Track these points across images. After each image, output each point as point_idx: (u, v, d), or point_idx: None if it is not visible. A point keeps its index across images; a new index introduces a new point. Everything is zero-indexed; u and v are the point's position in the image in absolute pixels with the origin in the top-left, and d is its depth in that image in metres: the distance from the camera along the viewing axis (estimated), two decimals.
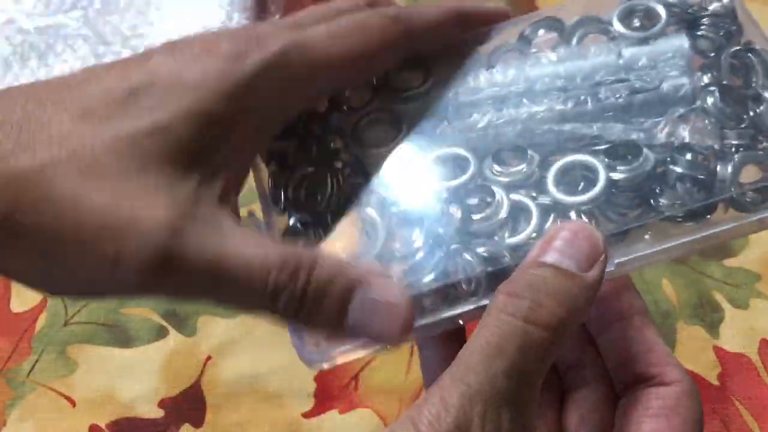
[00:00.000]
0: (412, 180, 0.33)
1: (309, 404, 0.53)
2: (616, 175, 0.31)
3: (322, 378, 0.54)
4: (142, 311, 0.57)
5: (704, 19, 0.35)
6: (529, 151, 0.32)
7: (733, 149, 0.31)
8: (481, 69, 0.35)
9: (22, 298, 0.59)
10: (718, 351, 0.52)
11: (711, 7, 0.35)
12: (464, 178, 0.32)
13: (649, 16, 0.35)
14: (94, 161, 0.26)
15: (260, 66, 0.29)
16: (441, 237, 0.31)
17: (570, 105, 0.33)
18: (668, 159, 0.31)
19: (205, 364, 0.55)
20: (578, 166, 0.31)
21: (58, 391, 0.55)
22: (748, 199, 0.31)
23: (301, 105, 0.32)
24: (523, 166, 0.32)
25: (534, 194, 0.31)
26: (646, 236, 0.31)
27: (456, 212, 0.31)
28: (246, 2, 0.67)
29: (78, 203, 0.26)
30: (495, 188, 0.32)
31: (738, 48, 0.34)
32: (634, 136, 0.32)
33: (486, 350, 0.27)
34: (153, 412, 0.54)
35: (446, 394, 0.26)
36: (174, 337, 0.56)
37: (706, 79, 0.34)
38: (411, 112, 0.35)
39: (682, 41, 0.34)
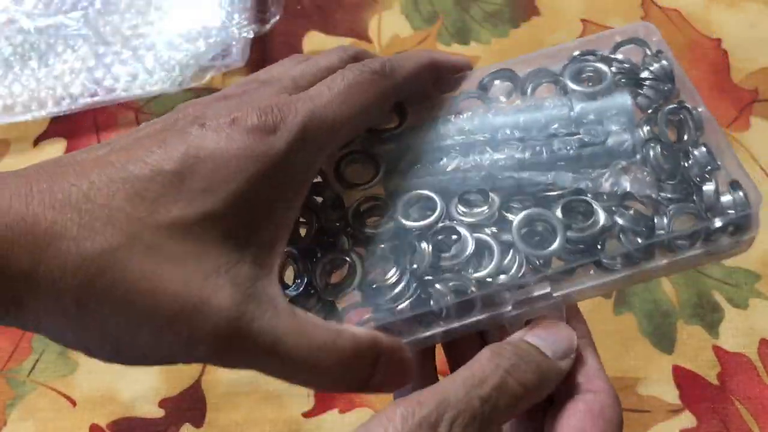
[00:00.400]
0: (387, 217, 0.37)
1: (309, 404, 0.54)
2: (571, 234, 0.35)
3: None
4: None
5: (645, 80, 0.39)
6: (491, 195, 0.36)
7: (669, 201, 0.36)
8: (449, 115, 0.39)
9: None
10: (718, 351, 0.52)
11: (651, 68, 0.39)
12: (433, 218, 0.36)
13: (596, 73, 0.39)
14: (156, 246, 0.28)
15: (290, 142, 0.31)
16: (414, 271, 0.35)
17: (527, 154, 0.38)
18: (614, 212, 0.36)
19: (205, 364, 0.55)
20: (539, 218, 0.36)
21: (59, 390, 0.55)
22: (678, 244, 0.35)
23: (321, 165, 0.34)
24: (485, 208, 0.36)
25: (495, 231, 0.36)
26: (591, 272, 0.36)
27: (427, 249, 0.35)
28: (246, 2, 0.67)
29: (153, 288, 0.27)
30: (460, 228, 0.36)
31: (674, 106, 0.38)
32: (582, 185, 0.37)
33: (468, 380, 0.31)
34: (153, 411, 0.54)
35: (423, 399, 0.30)
36: None
37: (645, 133, 0.38)
38: (388, 153, 0.38)
39: (625, 99, 0.39)
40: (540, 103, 0.39)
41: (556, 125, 0.38)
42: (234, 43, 0.65)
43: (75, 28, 0.67)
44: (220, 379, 0.55)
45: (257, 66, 0.66)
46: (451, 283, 0.35)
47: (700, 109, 0.38)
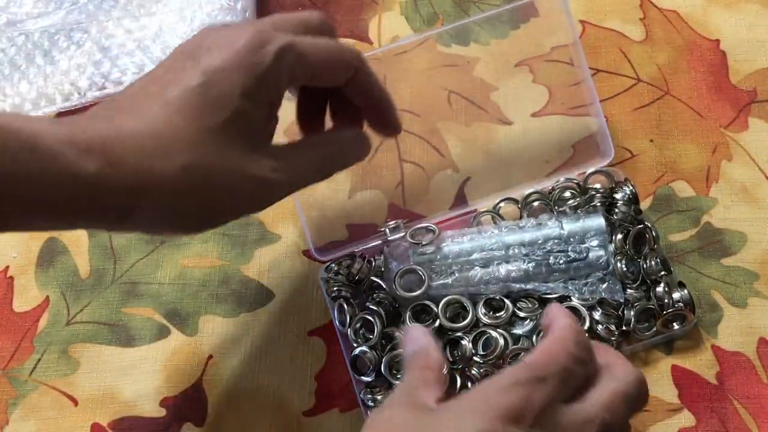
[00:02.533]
0: (432, 319, 0.53)
1: (310, 403, 0.54)
2: None
3: (322, 377, 0.54)
4: (144, 311, 0.57)
5: (616, 203, 0.55)
6: (506, 301, 0.53)
7: (634, 299, 0.53)
8: (470, 232, 0.56)
9: (25, 297, 0.59)
10: (717, 350, 0.53)
11: (618, 195, 0.55)
12: (467, 320, 0.53)
13: (576, 198, 0.57)
14: (211, 144, 0.40)
15: (274, 56, 0.41)
16: (457, 360, 0.52)
17: (531, 266, 0.53)
18: (594, 311, 0.52)
19: (206, 364, 0.56)
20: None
21: (61, 390, 0.56)
22: (640, 332, 0.53)
23: (293, 84, 0.46)
24: (503, 312, 0.53)
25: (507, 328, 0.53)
26: None
27: (467, 344, 0.52)
28: None
29: (222, 173, 0.41)
30: (492, 332, 0.52)
31: (640, 226, 0.54)
32: (569, 292, 0.53)
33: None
34: (155, 411, 0.54)
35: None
36: (176, 337, 0.57)
37: (617, 244, 0.54)
38: (428, 265, 0.54)
39: (600, 222, 0.54)
40: (539, 223, 0.55)
41: (551, 242, 0.54)
42: None
43: (76, 23, 0.67)
44: (221, 378, 0.55)
45: None
46: (482, 369, 0.52)
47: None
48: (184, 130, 0.39)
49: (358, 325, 0.54)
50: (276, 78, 0.42)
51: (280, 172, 0.43)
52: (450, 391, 0.41)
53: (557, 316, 0.41)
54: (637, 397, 0.41)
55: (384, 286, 0.55)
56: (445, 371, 0.42)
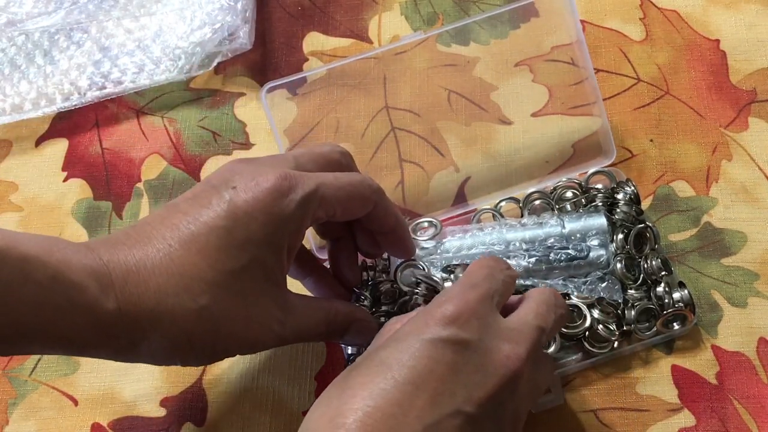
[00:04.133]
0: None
1: (310, 402, 0.54)
2: (566, 331, 0.52)
3: (322, 376, 0.54)
4: None
5: (618, 203, 0.55)
6: None
7: (634, 299, 0.53)
8: (471, 228, 0.55)
9: None
10: (717, 350, 0.53)
11: (619, 196, 0.55)
12: None
13: (578, 198, 0.57)
14: (227, 287, 0.41)
15: (298, 205, 0.43)
16: None
17: (532, 263, 0.53)
18: (593, 310, 0.52)
19: (207, 365, 0.56)
20: None
21: (61, 390, 0.56)
22: (640, 332, 0.53)
23: (314, 224, 0.47)
24: None
25: None
26: (579, 354, 0.52)
27: None
28: None
29: (233, 317, 0.42)
30: None
31: (641, 226, 0.54)
32: (568, 290, 0.52)
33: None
34: (155, 410, 0.54)
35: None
36: None
37: (618, 243, 0.54)
38: (428, 257, 0.54)
39: (602, 221, 0.54)
40: (540, 222, 0.55)
41: (552, 240, 0.53)
42: (240, 24, 0.65)
43: (76, 22, 0.67)
44: (221, 378, 0.55)
45: (263, 54, 0.67)
46: None
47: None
48: (205, 271, 0.40)
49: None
50: (298, 225, 0.43)
51: (285, 326, 0.44)
52: None
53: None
54: (557, 303, 0.45)
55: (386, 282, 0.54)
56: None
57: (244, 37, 0.65)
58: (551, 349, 0.50)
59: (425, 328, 0.39)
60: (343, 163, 0.48)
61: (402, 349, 0.39)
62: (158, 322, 0.40)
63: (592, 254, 0.53)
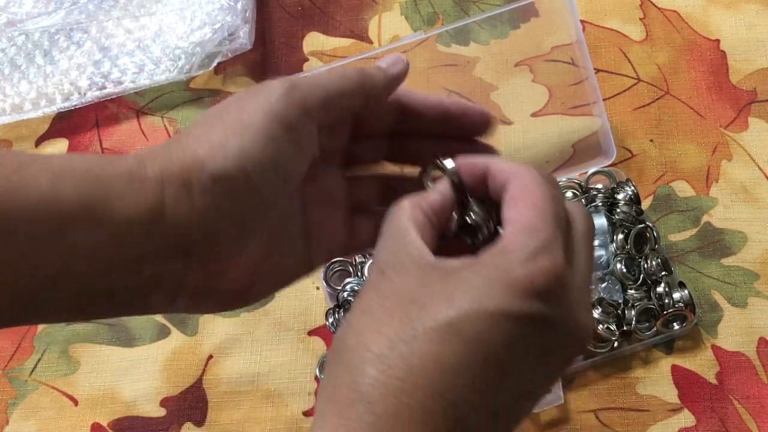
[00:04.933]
0: None
1: (310, 402, 0.54)
2: None
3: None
4: None
5: (618, 203, 0.55)
6: None
7: (634, 299, 0.53)
8: None
9: None
10: (717, 350, 0.53)
11: (620, 196, 0.55)
12: None
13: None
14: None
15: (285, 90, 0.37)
16: None
17: None
18: (594, 310, 0.51)
19: (206, 363, 0.56)
20: None
21: (61, 390, 0.56)
22: (640, 332, 0.53)
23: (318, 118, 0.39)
24: None
25: None
26: (580, 356, 0.51)
27: None
28: None
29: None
30: None
31: (641, 226, 0.54)
32: None
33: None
34: (155, 410, 0.54)
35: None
36: (176, 337, 0.57)
37: (618, 243, 0.54)
38: None
39: (602, 221, 0.54)
40: None
41: None
42: (240, 25, 0.65)
43: (76, 23, 0.67)
44: (221, 378, 0.55)
45: (263, 54, 0.67)
46: None
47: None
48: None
49: None
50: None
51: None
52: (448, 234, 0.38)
53: (513, 176, 0.37)
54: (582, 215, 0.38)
55: None
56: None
57: (244, 37, 0.65)
58: None
59: (504, 296, 0.33)
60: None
61: (471, 318, 0.32)
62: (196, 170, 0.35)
63: None
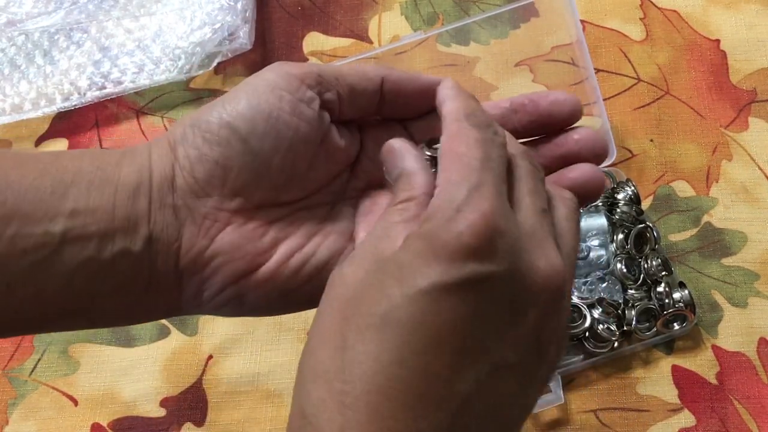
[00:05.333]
0: None
1: None
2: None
3: None
4: None
5: (618, 203, 0.55)
6: None
7: (634, 299, 0.53)
8: None
9: None
10: (717, 350, 0.53)
11: (620, 196, 0.55)
12: None
13: None
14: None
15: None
16: None
17: None
18: (594, 310, 0.52)
19: (206, 364, 0.56)
20: None
21: (61, 390, 0.56)
22: (640, 332, 0.53)
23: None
24: None
25: None
26: (581, 356, 0.53)
27: None
28: None
29: None
30: None
31: (641, 226, 0.54)
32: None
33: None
34: (155, 411, 0.54)
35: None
36: (176, 337, 0.57)
37: (618, 243, 0.54)
38: None
39: (602, 221, 0.54)
40: None
41: None
42: (240, 24, 0.65)
43: (75, 22, 0.67)
44: (221, 378, 0.55)
45: (263, 54, 0.67)
46: None
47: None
48: None
49: None
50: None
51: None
52: None
53: (443, 99, 0.34)
54: (531, 163, 0.35)
55: None
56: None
57: (244, 37, 0.65)
58: None
59: (433, 267, 0.29)
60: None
61: (404, 302, 0.29)
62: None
63: (592, 254, 0.53)
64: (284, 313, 0.37)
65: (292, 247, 0.36)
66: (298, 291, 0.36)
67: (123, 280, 0.34)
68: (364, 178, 0.39)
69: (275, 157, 0.35)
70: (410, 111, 0.39)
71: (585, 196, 0.37)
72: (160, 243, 0.34)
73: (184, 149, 0.35)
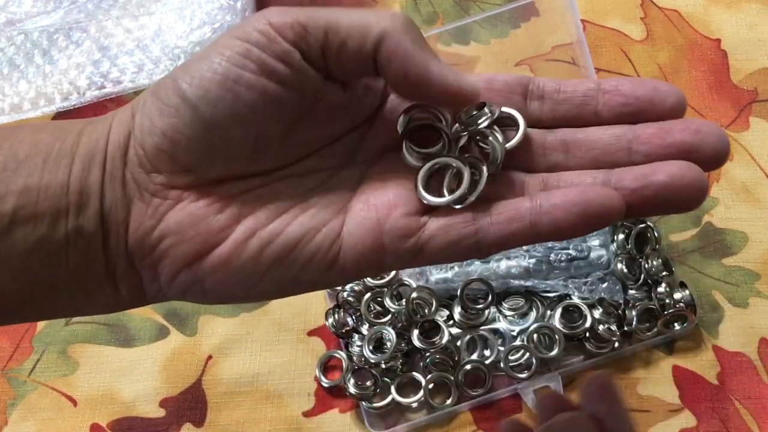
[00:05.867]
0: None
1: (309, 403, 0.54)
2: (567, 332, 0.52)
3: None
4: (143, 311, 0.57)
5: None
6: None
7: (634, 299, 0.53)
8: None
9: None
10: (718, 350, 0.53)
11: None
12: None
13: None
14: None
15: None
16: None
17: (533, 263, 0.53)
18: (594, 310, 0.52)
19: (206, 364, 0.55)
20: (545, 329, 0.52)
21: (60, 390, 0.55)
22: (641, 332, 0.52)
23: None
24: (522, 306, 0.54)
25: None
26: (581, 356, 0.53)
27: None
28: None
29: None
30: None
31: (642, 226, 0.54)
32: (568, 291, 0.53)
33: None
34: (154, 411, 0.54)
35: None
36: (175, 337, 0.56)
37: (619, 243, 0.54)
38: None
39: None
40: None
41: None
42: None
43: (75, 22, 0.67)
44: (221, 378, 0.55)
45: None
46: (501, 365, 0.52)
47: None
48: None
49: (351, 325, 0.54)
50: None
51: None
52: None
53: None
54: None
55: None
56: None
57: None
58: (554, 352, 0.50)
59: None
60: None
61: None
62: None
63: (592, 254, 0.53)
64: (254, 302, 0.34)
65: (253, 225, 0.31)
66: (263, 277, 0.31)
67: (79, 262, 0.31)
68: (385, 137, 0.33)
69: (235, 125, 0.30)
70: (416, 97, 0.32)
71: (677, 205, 0.30)
72: (110, 220, 0.31)
73: (140, 118, 0.31)
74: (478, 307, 0.52)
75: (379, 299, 0.53)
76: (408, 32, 0.30)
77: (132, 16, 0.67)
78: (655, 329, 0.52)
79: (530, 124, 0.33)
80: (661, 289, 0.53)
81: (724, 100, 0.60)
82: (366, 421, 0.52)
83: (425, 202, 0.31)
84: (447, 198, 0.31)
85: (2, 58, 0.67)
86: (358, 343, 0.53)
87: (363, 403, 0.52)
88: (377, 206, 0.32)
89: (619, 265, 0.53)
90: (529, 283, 0.53)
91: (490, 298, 0.52)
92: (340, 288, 0.54)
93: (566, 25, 0.57)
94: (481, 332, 0.52)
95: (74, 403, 0.55)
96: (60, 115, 0.65)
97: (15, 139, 0.31)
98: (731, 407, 0.51)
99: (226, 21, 0.65)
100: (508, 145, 0.32)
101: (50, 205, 0.30)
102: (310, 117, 0.32)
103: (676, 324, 0.52)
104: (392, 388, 0.52)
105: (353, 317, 0.54)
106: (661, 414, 0.51)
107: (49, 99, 0.65)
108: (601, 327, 0.52)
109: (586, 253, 0.53)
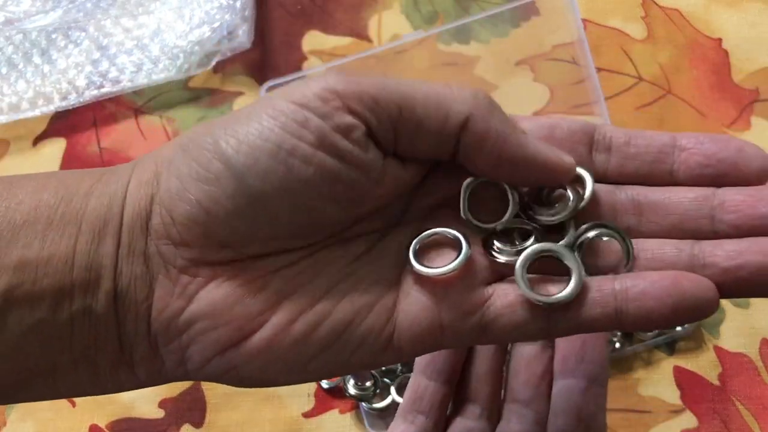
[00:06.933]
0: None
1: (309, 404, 0.53)
2: None
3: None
4: None
5: None
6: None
7: None
8: None
9: None
10: (719, 351, 0.52)
11: None
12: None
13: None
14: None
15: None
16: None
17: None
18: None
19: None
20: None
21: None
22: (642, 333, 0.52)
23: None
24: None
25: None
26: None
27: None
28: None
29: None
30: None
31: None
32: None
33: None
34: (153, 412, 0.54)
35: None
36: None
37: None
38: None
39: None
40: None
41: None
42: (239, 23, 0.65)
43: (74, 21, 0.67)
44: None
45: (262, 53, 0.66)
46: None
47: None
48: None
49: None
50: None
51: None
52: None
53: None
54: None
55: None
56: None
57: (243, 36, 0.65)
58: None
59: None
60: None
61: None
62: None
63: None
64: (299, 383, 0.31)
65: (297, 307, 0.27)
66: (308, 364, 0.27)
67: (86, 346, 0.27)
68: (438, 193, 0.30)
69: (285, 202, 0.26)
70: (506, 178, 0.29)
71: (750, 289, 0.27)
72: (127, 301, 0.27)
73: (168, 178, 0.27)
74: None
75: None
76: (494, 112, 0.27)
77: (131, 16, 0.67)
78: (656, 329, 0.52)
79: (595, 179, 0.29)
80: None
81: (726, 100, 0.60)
82: (366, 422, 0.52)
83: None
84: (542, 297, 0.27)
85: (1, 57, 0.67)
86: None
87: (363, 403, 0.52)
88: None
89: None
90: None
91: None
92: None
93: (567, 24, 0.57)
94: None
95: (73, 403, 0.55)
96: (59, 115, 0.65)
97: (12, 199, 0.26)
98: (732, 408, 0.51)
99: (226, 20, 0.65)
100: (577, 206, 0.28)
101: (51, 284, 0.26)
102: (363, 193, 0.28)
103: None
104: (392, 389, 0.52)
105: None
106: (662, 414, 0.51)
107: (47, 98, 0.65)
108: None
109: None
